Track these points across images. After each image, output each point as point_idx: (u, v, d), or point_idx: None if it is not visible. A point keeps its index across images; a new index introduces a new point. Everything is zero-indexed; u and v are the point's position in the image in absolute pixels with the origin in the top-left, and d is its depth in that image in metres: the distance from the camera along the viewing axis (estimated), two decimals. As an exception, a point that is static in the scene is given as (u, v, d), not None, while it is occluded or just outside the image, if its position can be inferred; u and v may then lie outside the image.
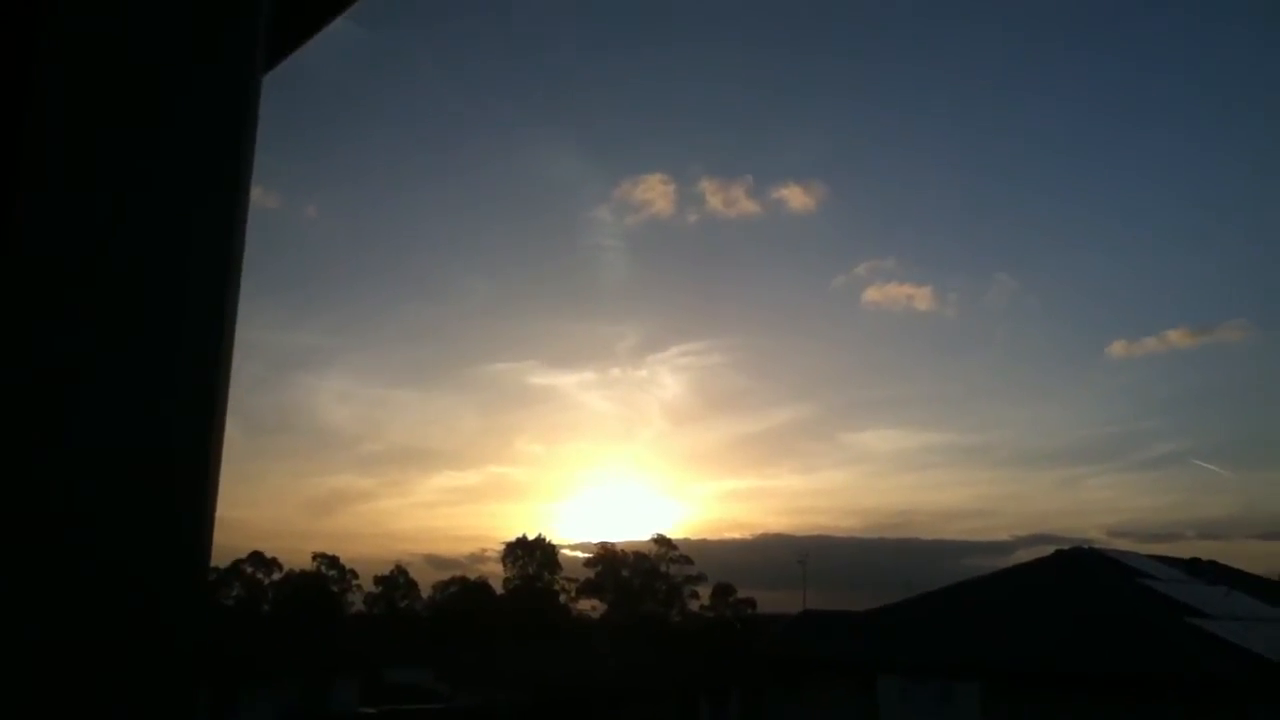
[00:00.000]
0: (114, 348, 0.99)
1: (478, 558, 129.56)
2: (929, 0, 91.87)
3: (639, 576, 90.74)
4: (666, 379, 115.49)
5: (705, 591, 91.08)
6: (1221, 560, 29.56)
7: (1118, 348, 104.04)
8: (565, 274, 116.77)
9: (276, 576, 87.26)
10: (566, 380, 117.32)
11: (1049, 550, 28.63)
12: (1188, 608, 21.99)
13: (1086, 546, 28.67)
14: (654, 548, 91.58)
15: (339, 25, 1.59)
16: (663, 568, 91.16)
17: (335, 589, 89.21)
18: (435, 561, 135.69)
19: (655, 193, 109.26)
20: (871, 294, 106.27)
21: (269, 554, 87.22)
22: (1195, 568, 27.63)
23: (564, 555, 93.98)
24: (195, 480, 1.04)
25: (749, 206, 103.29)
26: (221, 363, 1.08)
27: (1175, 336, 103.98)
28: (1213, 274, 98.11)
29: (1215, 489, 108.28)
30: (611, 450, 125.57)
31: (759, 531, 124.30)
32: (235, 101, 1.13)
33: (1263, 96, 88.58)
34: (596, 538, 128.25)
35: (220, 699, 33.41)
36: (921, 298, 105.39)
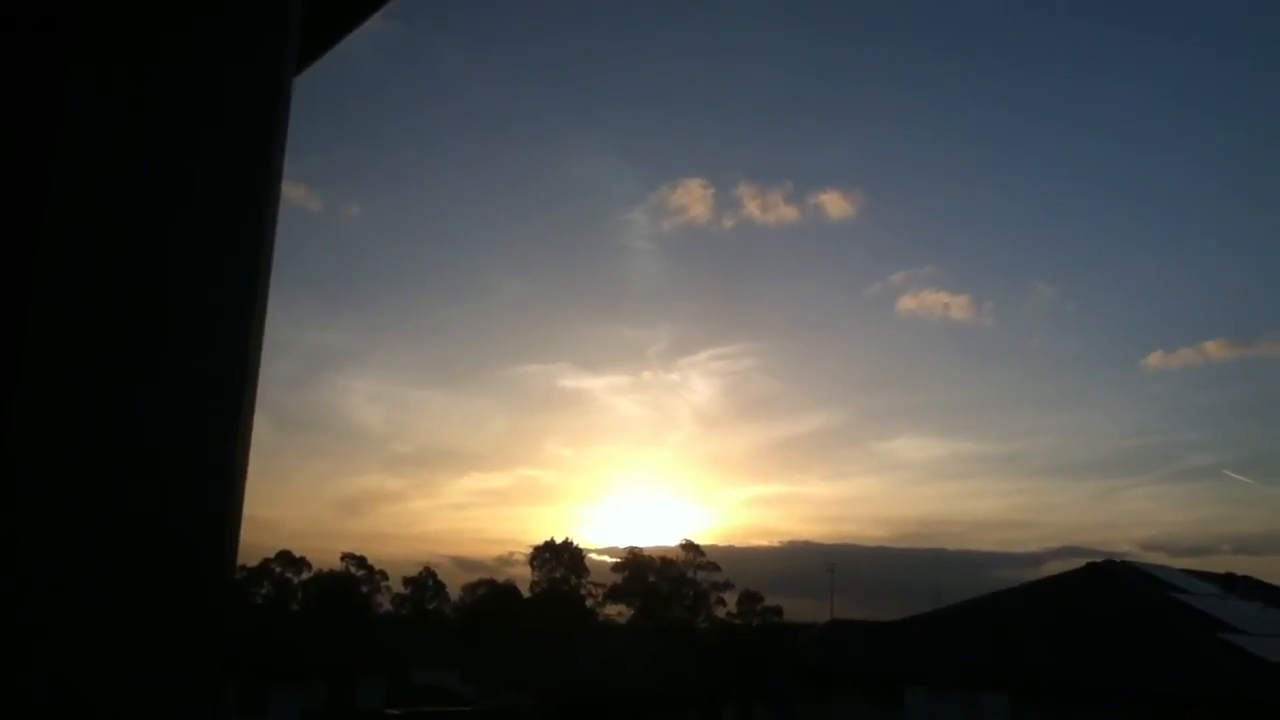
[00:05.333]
0: (142, 346, 1.00)
1: (506, 560, 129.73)
2: (968, 4, 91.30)
3: (666, 582, 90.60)
4: (698, 383, 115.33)
5: (732, 598, 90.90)
6: (1257, 576, 29.24)
7: (1154, 358, 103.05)
8: (598, 276, 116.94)
9: (305, 576, 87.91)
10: (597, 383, 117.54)
11: (1079, 563, 28.39)
12: (1221, 623, 21.70)
13: (1119, 560, 28.38)
14: (682, 554, 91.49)
15: (374, 23, 1.60)
16: (690, 574, 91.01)
17: (364, 589, 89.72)
18: (463, 563, 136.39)
19: (693, 197, 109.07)
20: (907, 301, 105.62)
21: (298, 553, 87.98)
22: (1230, 583, 27.30)
23: (591, 560, 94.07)
24: (222, 477, 1.05)
25: (787, 212, 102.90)
26: (250, 361, 1.09)
27: (1213, 348, 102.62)
28: (1252, 286, 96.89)
29: (1252, 503, 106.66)
30: (641, 454, 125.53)
31: (787, 539, 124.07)
32: (267, 104, 1.14)
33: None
34: (624, 543, 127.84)
35: (248, 698, 33.66)
36: (958, 306, 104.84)
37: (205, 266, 1.06)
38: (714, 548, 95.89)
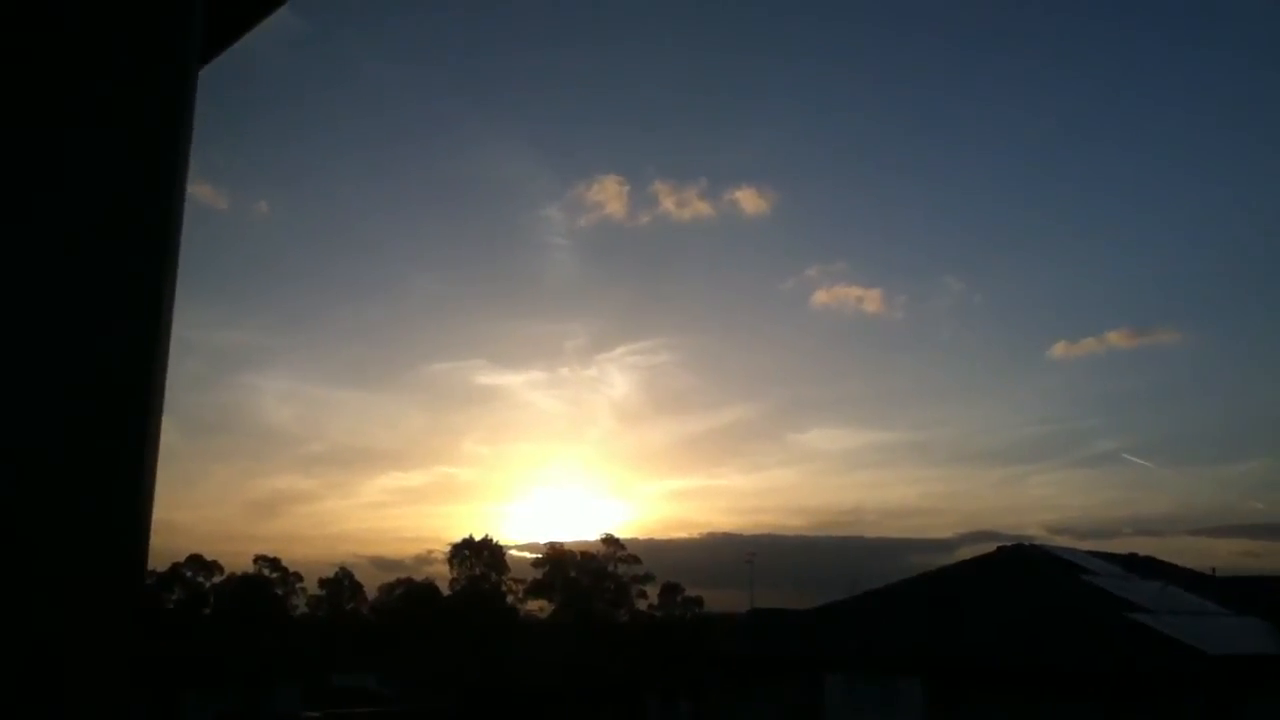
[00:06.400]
0: (46, 345, 0.97)
1: (424, 559, 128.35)
2: (879, 4, 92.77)
3: (587, 576, 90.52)
4: (615, 378, 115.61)
5: (653, 591, 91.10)
6: (1157, 556, 30.28)
7: (1059, 348, 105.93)
8: (514, 273, 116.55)
9: (218, 580, 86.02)
10: (514, 380, 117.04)
11: (990, 547, 29.07)
12: (1127, 603, 22.41)
13: (1028, 543, 29.12)
14: (602, 548, 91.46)
15: (280, 16, 1.57)
16: (611, 567, 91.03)
17: (279, 592, 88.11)
18: (381, 563, 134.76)
19: (609, 194, 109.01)
20: (821, 296, 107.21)
21: (209, 557, 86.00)
22: (1132, 564, 28.21)
23: (511, 556, 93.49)
24: (130, 481, 1.02)
25: (702, 208, 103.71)
26: (157, 360, 1.06)
27: (1115, 337, 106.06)
28: (1151, 276, 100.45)
29: (1152, 486, 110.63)
30: (559, 450, 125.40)
31: (706, 530, 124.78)
32: (171, 94, 1.11)
33: (1201, 108, 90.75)
34: (544, 538, 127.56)
35: (161, 703, 32.88)
36: (870, 300, 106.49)
37: (108, 265, 1.03)
38: (634, 541, 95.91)
